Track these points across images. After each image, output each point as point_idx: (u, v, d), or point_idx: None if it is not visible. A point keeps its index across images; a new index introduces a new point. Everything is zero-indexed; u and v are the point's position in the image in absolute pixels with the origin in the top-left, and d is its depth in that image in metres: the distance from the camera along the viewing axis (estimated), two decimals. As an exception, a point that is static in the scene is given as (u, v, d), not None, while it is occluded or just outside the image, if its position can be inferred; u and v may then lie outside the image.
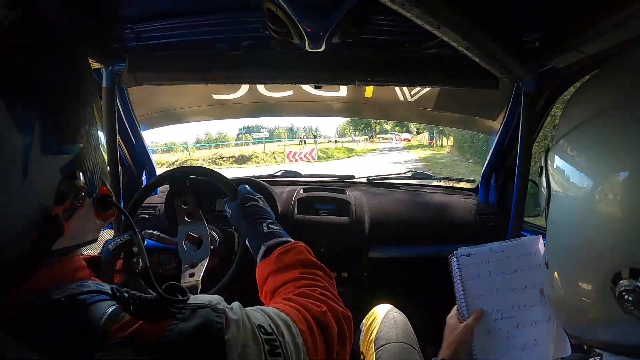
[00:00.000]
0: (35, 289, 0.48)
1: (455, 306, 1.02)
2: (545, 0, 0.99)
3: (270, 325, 0.57)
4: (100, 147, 0.58)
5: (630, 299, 0.42)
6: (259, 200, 1.05)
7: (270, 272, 0.80)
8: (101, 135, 0.59)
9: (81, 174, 0.52)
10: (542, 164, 0.58)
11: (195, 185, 1.28)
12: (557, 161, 0.53)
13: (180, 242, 1.23)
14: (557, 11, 1.01)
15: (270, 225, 0.93)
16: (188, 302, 0.52)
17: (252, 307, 0.60)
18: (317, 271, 0.80)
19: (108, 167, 0.65)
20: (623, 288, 0.43)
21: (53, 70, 0.50)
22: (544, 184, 0.57)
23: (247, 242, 0.94)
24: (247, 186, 1.10)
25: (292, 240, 0.88)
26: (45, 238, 0.47)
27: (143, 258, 0.54)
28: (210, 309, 0.52)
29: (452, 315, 1.01)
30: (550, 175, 0.55)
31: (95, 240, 0.59)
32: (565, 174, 0.51)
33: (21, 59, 0.46)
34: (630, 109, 0.45)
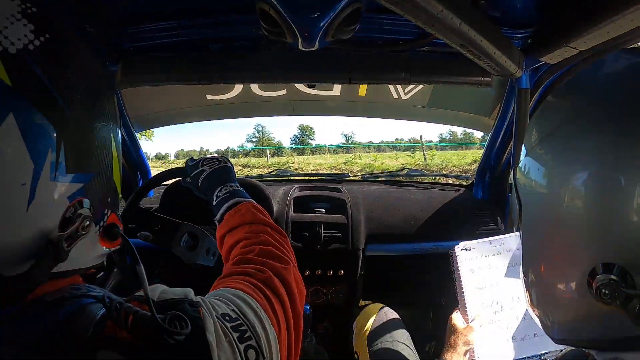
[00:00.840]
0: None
1: (458, 308, 1.03)
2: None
3: (234, 311, 0.57)
4: (114, 175, 0.59)
5: (607, 292, 0.44)
6: (206, 168, 1.03)
7: (222, 235, 0.85)
8: (115, 159, 0.59)
9: (89, 202, 0.52)
10: (511, 181, 0.61)
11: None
12: (523, 177, 0.58)
13: (177, 241, 1.21)
14: (549, 8, 1.02)
15: (217, 194, 0.94)
16: (165, 297, 0.54)
17: (212, 295, 0.61)
18: (259, 227, 0.82)
19: (120, 195, 0.64)
20: (600, 283, 0.44)
21: (74, 100, 0.50)
22: (516, 200, 0.60)
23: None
24: (193, 157, 1.11)
25: (239, 202, 0.89)
26: (45, 262, 0.47)
27: (145, 290, 0.51)
28: (187, 303, 0.53)
29: (456, 317, 1.01)
30: (519, 191, 0.59)
31: (99, 265, 0.59)
32: (531, 187, 0.55)
33: (41, 86, 0.46)
34: (581, 125, 0.49)
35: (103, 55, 1.28)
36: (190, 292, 0.56)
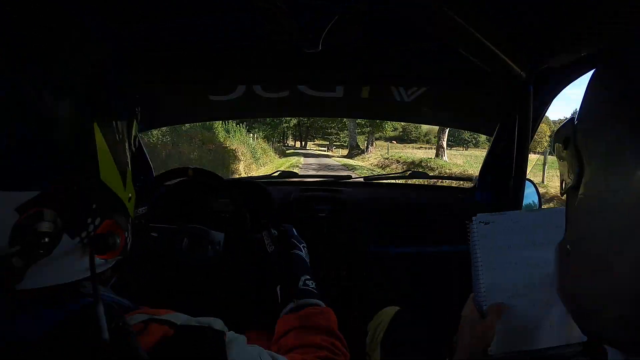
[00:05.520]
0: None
1: (471, 297, 0.98)
2: (541, 1, 1.00)
3: None
4: (103, 173, 0.50)
5: None
6: (303, 249, 1.04)
7: (293, 327, 0.79)
8: (104, 155, 0.50)
9: (51, 213, 0.44)
10: (569, 134, 0.48)
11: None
12: (593, 136, 0.45)
13: (178, 247, 1.21)
14: (554, 11, 1.01)
15: (306, 282, 0.91)
16: (188, 322, 0.51)
17: (266, 350, 0.60)
18: (338, 343, 0.79)
19: (128, 196, 0.56)
20: None
21: (22, 88, 0.41)
22: (572, 158, 0.48)
23: (277, 288, 0.93)
24: (294, 229, 1.10)
25: (322, 304, 0.87)
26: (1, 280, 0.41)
27: (103, 330, 0.42)
28: (210, 329, 0.52)
29: (470, 310, 0.95)
30: (582, 150, 0.47)
31: (98, 275, 0.51)
32: (607, 151, 0.43)
33: None
34: None
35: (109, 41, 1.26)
36: (215, 322, 0.53)
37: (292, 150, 29.26)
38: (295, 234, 1.08)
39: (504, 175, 1.74)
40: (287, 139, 37.18)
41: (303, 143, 37.29)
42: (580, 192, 0.48)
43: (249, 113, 2.30)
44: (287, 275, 0.93)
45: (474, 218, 0.97)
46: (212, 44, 1.28)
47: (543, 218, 0.96)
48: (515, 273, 0.95)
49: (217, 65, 1.30)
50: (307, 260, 1.01)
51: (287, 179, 2.18)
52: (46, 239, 0.43)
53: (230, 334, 0.54)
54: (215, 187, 1.20)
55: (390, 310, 1.33)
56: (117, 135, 0.53)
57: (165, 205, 1.56)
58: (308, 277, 0.93)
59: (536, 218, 0.97)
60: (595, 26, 0.88)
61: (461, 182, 2.32)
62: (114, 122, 0.52)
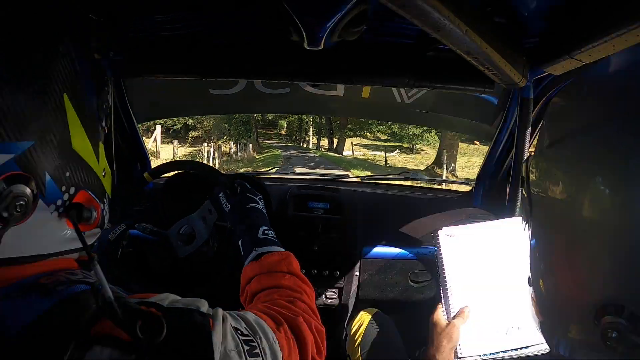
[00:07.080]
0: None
1: (439, 306, 1.02)
2: (544, 8, 1.00)
3: (245, 328, 0.57)
4: (75, 142, 0.51)
5: (613, 336, 0.39)
6: (259, 202, 1.03)
7: (256, 274, 0.80)
8: (74, 124, 0.51)
9: (27, 177, 0.45)
10: (523, 174, 0.56)
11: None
12: (539, 175, 0.52)
13: (173, 235, 1.21)
14: (556, 19, 1.02)
15: (265, 232, 0.91)
16: (174, 304, 0.52)
17: (231, 312, 0.60)
18: (299, 281, 0.79)
19: (102, 170, 0.57)
20: (607, 324, 0.40)
21: None
22: (526, 195, 0.55)
23: (239, 242, 0.92)
24: (247, 184, 1.09)
25: (283, 249, 0.87)
26: None
27: (105, 291, 0.44)
28: (197, 312, 0.52)
29: (438, 315, 1.00)
30: (532, 189, 0.53)
31: (80, 249, 0.53)
32: (547, 190, 0.49)
33: None
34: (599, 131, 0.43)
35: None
36: (202, 303, 0.54)
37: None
38: (249, 187, 1.07)
39: (500, 181, 1.75)
40: (306, 134, 27.95)
41: (335, 142, 24.33)
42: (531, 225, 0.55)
43: (248, 108, 2.30)
44: (246, 229, 0.93)
45: (439, 231, 1.00)
46: (214, 39, 1.27)
47: (503, 229, 0.99)
48: (482, 279, 0.99)
49: (218, 60, 1.30)
50: (265, 212, 1.01)
51: (283, 176, 2.18)
52: (22, 202, 0.44)
53: (213, 315, 0.54)
54: (211, 181, 1.20)
55: (370, 312, 1.34)
56: (87, 110, 0.54)
57: (161, 200, 1.55)
58: (266, 227, 0.93)
59: (497, 229, 1.01)
60: (598, 36, 0.88)
61: (458, 186, 2.33)
62: (84, 97, 0.54)
